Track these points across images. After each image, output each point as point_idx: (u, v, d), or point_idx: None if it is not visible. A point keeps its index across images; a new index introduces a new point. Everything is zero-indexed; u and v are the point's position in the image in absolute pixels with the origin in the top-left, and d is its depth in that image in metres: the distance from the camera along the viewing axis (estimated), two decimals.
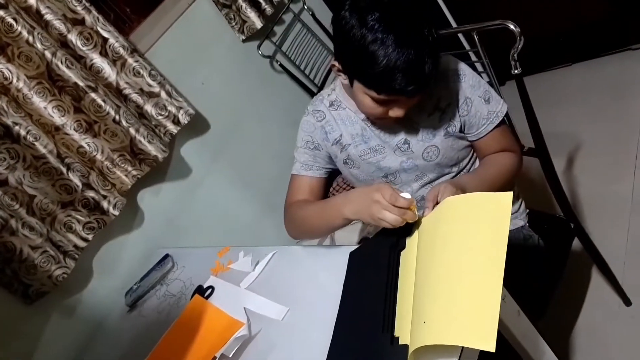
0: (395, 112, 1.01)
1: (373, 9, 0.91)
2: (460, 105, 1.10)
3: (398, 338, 0.82)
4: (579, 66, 2.44)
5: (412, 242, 0.96)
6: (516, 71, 1.16)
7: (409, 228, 0.98)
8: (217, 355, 1.04)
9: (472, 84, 1.10)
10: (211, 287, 1.31)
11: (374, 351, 0.83)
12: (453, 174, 1.20)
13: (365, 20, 0.91)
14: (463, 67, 1.11)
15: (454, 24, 2.24)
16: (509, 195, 0.82)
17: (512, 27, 1.12)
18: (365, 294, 0.97)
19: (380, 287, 0.93)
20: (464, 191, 0.96)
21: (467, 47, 1.71)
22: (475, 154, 1.23)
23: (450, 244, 0.85)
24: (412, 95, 0.96)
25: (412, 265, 0.90)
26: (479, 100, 1.10)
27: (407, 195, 0.92)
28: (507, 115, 1.34)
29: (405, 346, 0.79)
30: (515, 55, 1.14)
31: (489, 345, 0.67)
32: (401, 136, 1.14)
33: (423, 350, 0.75)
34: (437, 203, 0.94)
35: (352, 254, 1.08)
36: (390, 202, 0.90)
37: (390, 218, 0.90)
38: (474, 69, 1.15)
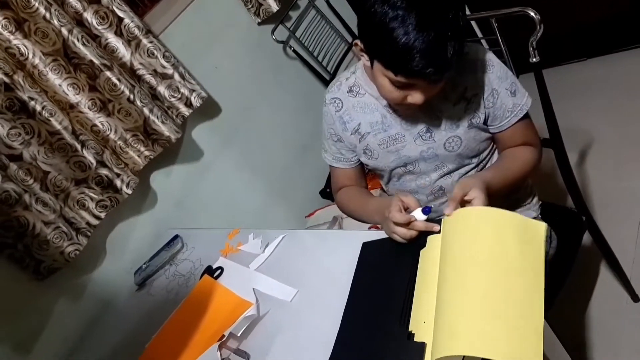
0: (414, 98, 0.98)
1: None
2: (487, 96, 1.08)
3: (414, 334, 0.82)
4: (594, 61, 2.42)
5: (433, 242, 0.94)
6: (534, 59, 1.15)
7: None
8: (226, 333, 1.05)
9: (499, 75, 1.07)
10: (220, 268, 1.32)
11: (388, 343, 0.84)
12: (473, 165, 1.18)
13: None
14: (492, 57, 1.08)
15: (467, 11, 2.22)
16: (543, 225, 0.84)
17: (532, 14, 1.10)
18: (380, 286, 0.96)
19: (399, 281, 0.92)
20: (489, 188, 0.95)
21: (479, 34, 1.69)
22: (494, 146, 1.21)
23: (485, 257, 0.83)
24: (430, 79, 0.93)
25: (433, 266, 0.89)
26: (505, 92, 1.08)
27: (418, 216, 0.96)
28: None
29: (422, 344, 0.79)
30: (534, 43, 1.12)
31: None
32: (423, 125, 1.11)
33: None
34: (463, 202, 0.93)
35: (365, 244, 1.07)
36: (396, 220, 0.97)
37: (400, 233, 0.97)
38: None
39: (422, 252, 0.95)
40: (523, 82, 1.30)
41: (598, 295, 1.64)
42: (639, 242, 1.68)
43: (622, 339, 1.50)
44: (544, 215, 1.31)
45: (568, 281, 1.28)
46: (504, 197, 1.23)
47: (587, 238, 1.43)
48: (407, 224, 0.96)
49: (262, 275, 1.21)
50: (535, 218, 1.28)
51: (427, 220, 0.97)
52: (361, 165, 1.28)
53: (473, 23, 1.74)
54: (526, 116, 1.12)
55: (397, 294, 0.91)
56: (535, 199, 1.31)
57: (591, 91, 2.32)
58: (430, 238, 0.95)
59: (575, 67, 2.46)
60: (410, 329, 0.83)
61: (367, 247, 1.07)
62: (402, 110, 1.11)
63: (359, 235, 1.11)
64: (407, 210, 0.98)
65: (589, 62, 2.44)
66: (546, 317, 1.00)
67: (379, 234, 1.07)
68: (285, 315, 1.07)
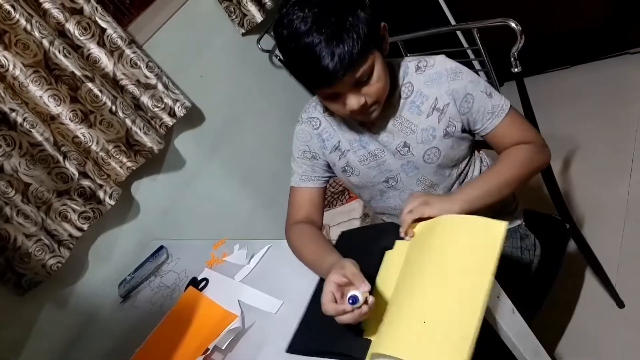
0: (350, 104, 0.99)
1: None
2: (461, 102, 1.08)
3: (363, 330, 0.86)
4: (577, 69, 2.44)
5: (400, 246, 0.97)
6: (516, 69, 1.16)
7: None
8: (210, 346, 1.04)
9: (471, 80, 1.07)
10: (205, 280, 1.31)
11: (341, 336, 0.87)
12: (454, 177, 1.18)
13: (281, 12, 0.94)
14: (459, 66, 1.08)
15: (452, 22, 2.25)
16: (502, 224, 0.83)
17: (513, 25, 1.11)
18: None
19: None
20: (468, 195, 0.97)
21: (465, 44, 1.71)
22: (474, 155, 1.22)
23: (438, 262, 0.86)
24: (334, 85, 0.95)
25: (394, 268, 0.92)
26: (481, 95, 1.07)
27: (356, 293, 0.81)
28: None
29: (368, 341, 0.83)
30: (515, 53, 1.13)
31: None
32: (400, 139, 1.12)
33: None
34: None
35: (343, 234, 1.10)
36: (330, 313, 0.84)
37: (340, 320, 0.84)
38: (471, 67, 1.14)
39: (387, 252, 0.98)
40: (506, 90, 1.32)
41: (583, 302, 1.65)
42: (623, 248, 1.70)
43: (607, 345, 1.51)
44: (528, 223, 1.31)
45: (553, 289, 1.29)
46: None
47: (571, 245, 1.44)
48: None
49: (248, 287, 1.20)
50: (518, 226, 1.29)
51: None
52: (326, 187, 1.26)
53: (458, 33, 1.76)
54: (511, 115, 1.09)
55: None
56: (519, 207, 1.32)
57: (575, 99, 2.34)
58: (398, 242, 0.98)
59: (559, 75, 2.49)
60: (362, 325, 0.87)
61: (342, 237, 1.10)
62: (364, 119, 1.08)
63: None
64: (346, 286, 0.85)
65: (573, 69, 2.46)
66: (531, 325, 1.01)
67: None
68: (270, 327, 1.06)
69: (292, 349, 0.95)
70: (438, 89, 1.07)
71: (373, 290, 0.88)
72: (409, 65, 1.10)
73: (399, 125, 1.10)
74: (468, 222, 0.88)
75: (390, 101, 1.08)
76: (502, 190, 1.04)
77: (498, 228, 0.83)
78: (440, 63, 1.08)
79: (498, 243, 0.81)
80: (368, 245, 1.02)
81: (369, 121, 1.09)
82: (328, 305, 0.83)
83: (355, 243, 1.07)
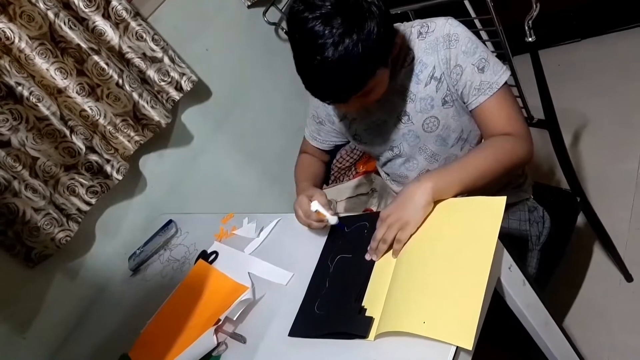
0: (347, 109, 1.10)
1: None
2: (450, 73, 1.04)
3: (366, 309, 0.88)
4: (588, 42, 2.41)
5: None
6: (530, 39, 1.13)
7: None
8: (222, 317, 1.05)
9: (464, 50, 1.01)
10: (215, 253, 1.31)
11: (343, 315, 0.90)
12: (458, 148, 1.17)
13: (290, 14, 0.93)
14: (457, 32, 1.02)
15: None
16: (502, 200, 0.84)
17: None
18: (346, 261, 1.02)
19: (360, 259, 0.98)
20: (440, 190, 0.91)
21: (473, 14, 1.66)
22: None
23: (441, 241, 0.87)
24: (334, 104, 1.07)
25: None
26: (472, 68, 1.01)
27: (313, 207, 1.06)
28: (521, 93, 1.30)
29: (371, 318, 0.85)
30: (530, 22, 1.11)
31: (468, 343, 0.70)
32: (401, 108, 1.11)
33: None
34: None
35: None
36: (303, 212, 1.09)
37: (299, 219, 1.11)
38: (479, 37, 1.10)
39: None
40: (518, 62, 1.29)
41: (592, 275, 1.65)
42: (633, 222, 1.69)
43: (615, 318, 1.51)
44: (538, 196, 1.31)
45: (563, 261, 1.29)
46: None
47: (581, 219, 1.43)
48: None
49: (257, 259, 1.20)
50: (527, 199, 1.28)
51: None
52: (330, 149, 1.36)
53: (466, 3, 1.71)
54: (501, 96, 1.02)
55: (357, 271, 0.96)
56: (528, 180, 1.31)
57: (585, 72, 2.31)
58: None
59: (569, 48, 2.45)
60: (363, 305, 0.89)
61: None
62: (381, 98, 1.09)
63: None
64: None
65: (583, 42, 2.43)
66: (540, 297, 1.01)
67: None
68: (281, 298, 1.07)
69: (295, 333, 0.95)
70: (436, 57, 1.05)
71: (373, 271, 0.95)
72: (413, 31, 1.08)
73: (400, 94, 1.10)
74: (467, 203, 0.90)
75: (393, 70, 1.07)
76: (476, 181, 0.94)
77: (498, 202, 0.84)
78: (439, 28, 1.04)
79: (498, 217, 0.82)
80: (362, 233, 1.04)
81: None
82: (304, 213, 1.08)
83: (352, 227, 1.08)
